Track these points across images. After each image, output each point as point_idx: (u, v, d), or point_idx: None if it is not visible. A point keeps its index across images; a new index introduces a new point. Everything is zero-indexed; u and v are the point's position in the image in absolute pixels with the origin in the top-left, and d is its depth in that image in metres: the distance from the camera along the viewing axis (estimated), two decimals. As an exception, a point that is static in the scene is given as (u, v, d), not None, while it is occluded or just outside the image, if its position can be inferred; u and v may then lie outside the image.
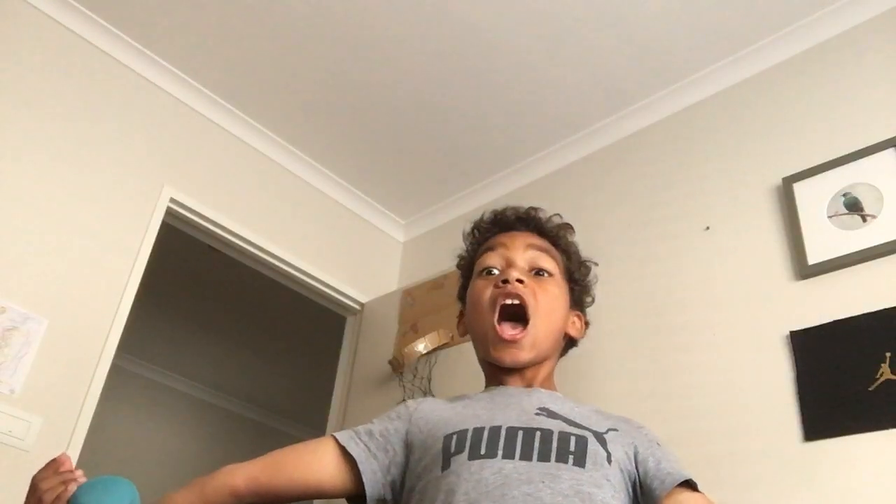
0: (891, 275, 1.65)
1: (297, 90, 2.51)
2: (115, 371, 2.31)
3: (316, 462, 1.01)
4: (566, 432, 0.95)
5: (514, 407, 1.01)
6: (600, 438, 0.96)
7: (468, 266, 1.23)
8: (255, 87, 2.52)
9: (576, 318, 1.20)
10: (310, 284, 2.73)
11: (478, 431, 0.95)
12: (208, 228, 2.47)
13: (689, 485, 0.98)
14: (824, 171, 1.85)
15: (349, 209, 2.96)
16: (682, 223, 2.11)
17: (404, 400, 1.16)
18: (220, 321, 4.27)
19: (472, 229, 1.27)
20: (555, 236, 1.21)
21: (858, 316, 1.64)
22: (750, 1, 2.04)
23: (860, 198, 1.77)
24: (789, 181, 1.90)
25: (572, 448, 0.92)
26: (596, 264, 1.27)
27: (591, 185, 2.46)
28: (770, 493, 1.61)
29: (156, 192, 2.33)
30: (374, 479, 1.00)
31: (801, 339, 1.71)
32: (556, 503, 0.86)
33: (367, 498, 0.99)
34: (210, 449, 5.07)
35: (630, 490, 0.96)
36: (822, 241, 1.78)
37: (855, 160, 1.81)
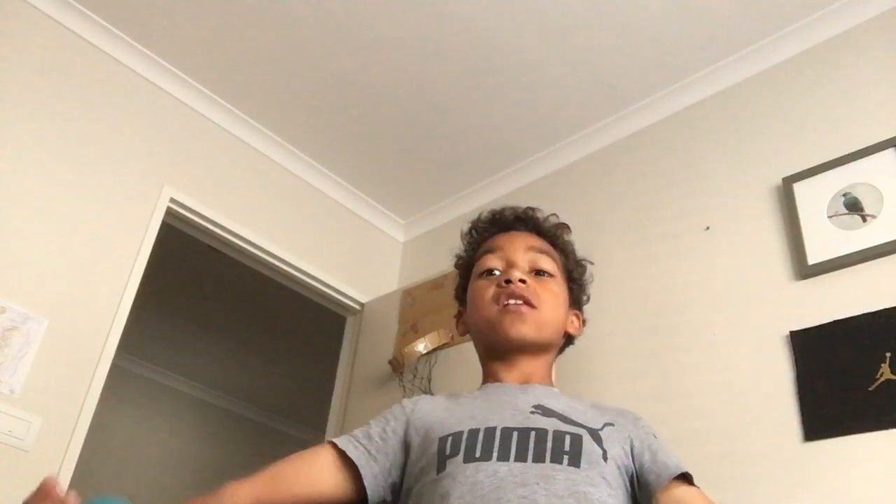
0: (891, 275, 1.65)
1: (297, 90, 2.51)
2: (115, 371, 2.30)
3: (316, 472, 1.01)
4: (561, 431, 0.95)
5: (509, 406, 1.01)
6: (595, 436, 0.96)
7: (466, 266, 1.24)
8: (255, 87, 2.52)
9: (574, 317, 1.21)
10: (310, 284, 2.73)
11: (473, 433, 0.95)
12: (208, 228, 2.47)
13: (686, 478, 0.98)
14: (824, 171, 1.85)
15: (349, 209, 2.96)
16: (682, 223, 2.11)
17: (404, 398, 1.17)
18: (220, 321, 4.27)
19: (470, 229, 1.27)
20: (553, 236, 1.22)
21: (858, 316, 1.64)
22: (750, 1, 2.04)
23: (860, 198, 1.77)
24: (789, 181, 1.91)
25: (567, 447, 0.92)
26: (592, 263, 1.28)
27: (591, 185, 2.46)
28: (770, 493, 1.61)
29: (156, 192, 2.33)
30: (375, 483, 1.00)
31: (801, 339, 1.71)
32: None
33: (369, 501, 0.99)
34: (210, 449, 5.07)
35: (628, 485, 0.97)
36: (822, 241, 1.78)
37: (855, 160, 1.81)
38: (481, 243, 1.22)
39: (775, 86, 2.11)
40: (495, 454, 0.92)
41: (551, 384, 1.13)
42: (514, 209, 1.24)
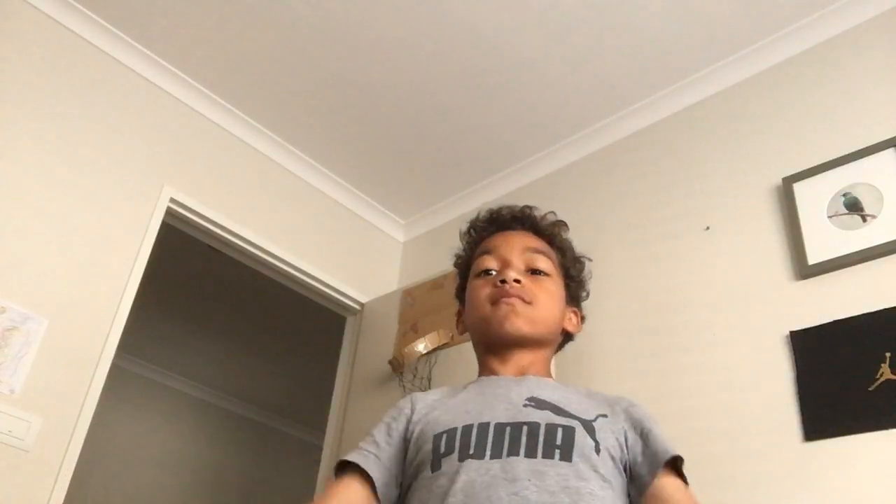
0: (891, 275, 1.65)
1: (297, 90, 2.51)
2: (115, 371, 2.30)
3: None
4: (553, 424, 0.96)
5: (503, 399, 1.02)
6: (588, 427, 0.97)
7: (465, 265, 1.24)
8: (255, 87, 2.52)
9: (572, 314, 1.21)
10: (310, 284, 2.73)
11: (467, 430, 0.96)
12: (208, 228, 2.47)
13: (675, 466, 0.99)
14: (824, 171, 1.85)
15: (349, 209, 2.96)
16: (682, 223, 2.11)
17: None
18: (220, 321, 4.27)
19: (469, 229, 1.28)
20: (550, 235, 1.23)
21: (858, 316, 1.64)
22: (750, 1, 2.04)
23: (860, 198, 1.77)
24: (789, 181, 1.91)
25: (559, 441, 0.93)
26: (590, 259, 1.28)
27: (591, 185, 2.46)
28: (770, 493, 1.61)
29: (156, 192, 2.33)
30: (386, 490, 1.01)
31: (801, 339, 1.71)
32: (542, 500, 0.87)
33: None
34: (210, 449, 5.07)
35: (623, 475, 0.98)
36: (822, 241, 1.78)
37: (855, 160, 1.81)
38: (479, 243, 1.23)
39: (775, 86, 2.11)
40: (488, 452, 0.93)
41: (548, 376, 1.13)
42: (511, 208, 1.25)
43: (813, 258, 1.78)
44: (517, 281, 1.10)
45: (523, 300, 1.10)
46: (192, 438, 5.02)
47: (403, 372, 2.34)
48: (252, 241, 2.55)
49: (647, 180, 2.29)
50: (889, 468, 1.48)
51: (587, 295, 1.27)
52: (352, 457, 1.02)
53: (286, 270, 2.66)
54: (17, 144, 2.06)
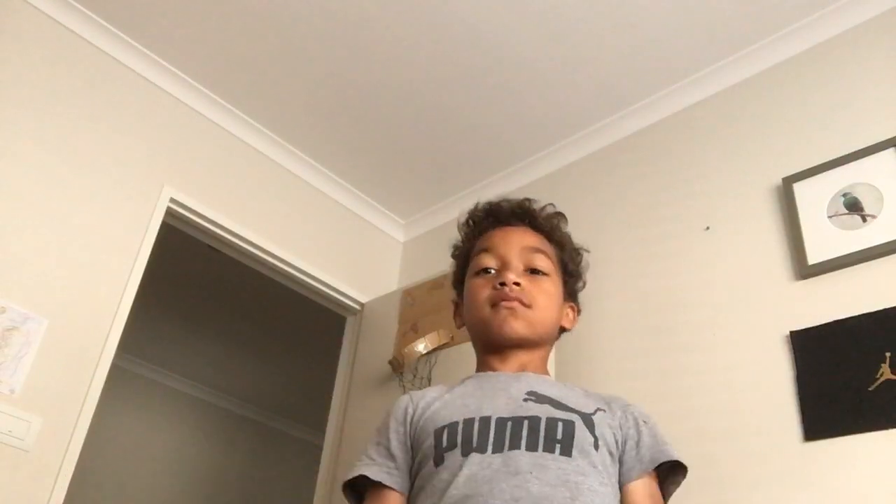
0: (891, 275, 1.65)
1: (297, 90, 2.51)
2: (115, 371, 2.30)
3: None
4: (554, 418, 0.97)
5: (503, 394, 1.02)
6: (588, 421, 0.98)
7: (463, 256, 1.25)
8: (255, 87, 2.52)
9: (569, 310, 1.22)
10: (310, 284, 2.73)
11: (468, 423, 0.97)
12: (208, 228, 2.47)
13: (673, 469, 1.01)
14: (824, 171, 1.85)
15: (349, 209, 2.96)
16: (682, 223, 2.11)
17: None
18: (220, 321, 4.27)
19: (468, 219, 1.28)
20: (549, 230, 1.22)
21: (858, 316, 1.64)
22: (750, 1, 2.04)
23: (860, 198, 1.77)
24: (789, 181, 1.91)
25: (559, 436, 0.94)
26: (587, 251, 1.28)
27: (591, 185, 2.46)
28: (770, 493, 1.61)
29: (156, 192, 2.33)
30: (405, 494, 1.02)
31: (801, 339, 1.71)
32: (543, 493, 0.88)
33: None
34: (210, 449, 5.07)
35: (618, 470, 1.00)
36: (822, 241, 1.78)
37: (855, 160, 1.81)
38: (477, 236, 1.23)
39: (775, 86, 2.11)
40: (490, 446, 0.94)
41: (546, 374, 1.14)
42: (510, 202, 1.25)
43: (813, 258, 1.78)
44: (516, 284, 1.10)
45: (522, 303, 1.10)
46: (192, 438, 5.02)
47: (403, 372, 2.34)
48: (252, 241, 2.54)
49: (647, 180, 2.29)
50: (889, 468, 1.48)
51: (584, 285, 1.27)
52: (381, 478, 1.01)
53: (286, 270, 2.66)
54: (17, 144, 2.06)
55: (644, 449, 1.00)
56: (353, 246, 2.93)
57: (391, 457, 1.03)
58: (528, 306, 1.10)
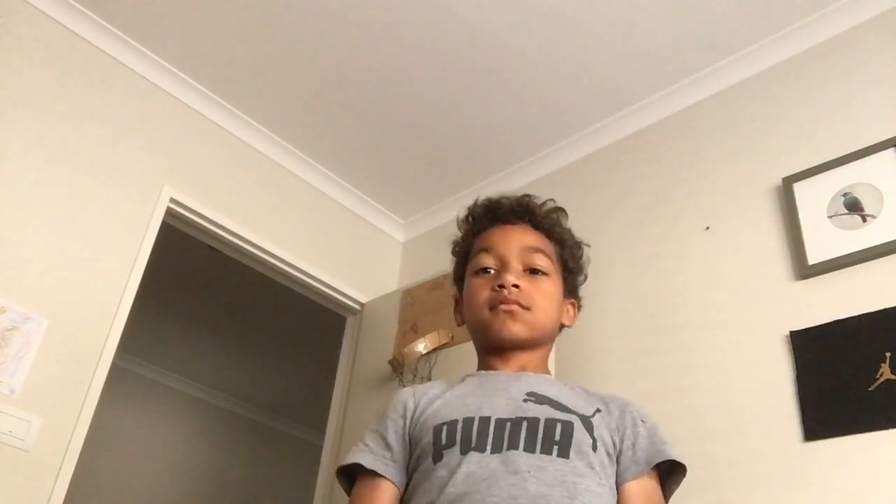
0: (891, 275, 1.65)
1: (297, 90, 2.51)
2: (115, 371, 2.30)
3: None
4: (553, 419, 0.97)
5: (503, 394, 1.02)
6: (586, 422, 0.98)
7: (463, 253, 1.24)
8: (255, 87, 2.52)
9: (570, 307, 1.22)
10: (310, 284, 2.73)
11: (467, 422, 0.98)
12: (208, 228, 2.47)
13: (672, 469, 1.01)
14: (824, 171, 1.85)
15: (349, 209, 2.96)
16: (682, 223, 2.11)
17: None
18: (220, 321, 4.27)
19: (467, 216, 1.28)
20: (549, 228, 1.22)
21: (858, 316, 1.64)
22: (749, 1, 2.04)
23: (860, 198, 1.77)
24: (789, 181, 1.90)
25: (557, 437, 0.95)
26: (588, 245, 1.28)
27: (591, 185, 2.46)
28: (770, 493, 1.61)
29: (156, 192, 2.33)
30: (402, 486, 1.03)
31: (801, 339, 1.71)
32: (541, 492, 0.89)
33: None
34: (210, 449, 5.07)
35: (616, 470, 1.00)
36: (822, 241, 1.78)
37: (855, 160, 1.81)
38: (477, 234, 1.23)
39: (775, 86, 2.11)
40: (489, 446, 0.94)
41: (546, 372, 1.13)
42: (509, 199, 1.24)
43: (813, 258, 1.78)
44: (515, 286, 1.10)
45: (521, 306, 1.10)
46: (191, 438, 5.02)
47: (403, 372, 2.34)
48: (252, 241, 2.54)
49: (647, 180, 2.29)
50: (889, 468, 1.48)
51: (585, 278, 1.26)
52: (376, 467, 1.02)
53: (286, 270, 2.66)
54: (18, 144, 2.06)
55: (640, 450, 1.00)
56: (353, 246, 2.93)
57: (388, 447, 1.04)
58: (527, 308, 1.10)
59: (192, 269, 3.69)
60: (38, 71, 2.17)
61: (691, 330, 1.94)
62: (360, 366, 2.63)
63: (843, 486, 1.52)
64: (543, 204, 1.25)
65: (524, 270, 1.14)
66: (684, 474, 1.02)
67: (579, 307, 1.24)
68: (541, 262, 1.15)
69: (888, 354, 1.56)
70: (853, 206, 1.77)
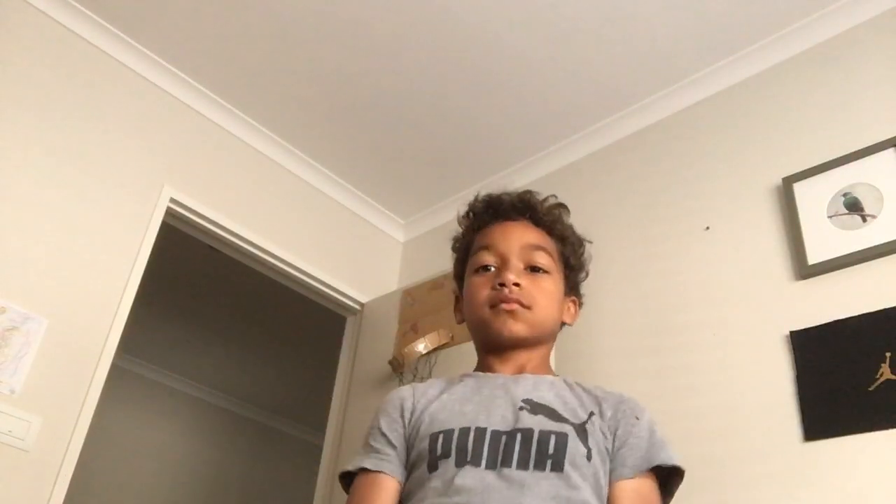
0: (891, 275, 1.65)
1: (297, 90, 2.51)
2: (115, 371, 2.30)
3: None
4: (547, 430, 0.96)
5: (500, 402, 1.02)
6: (581, 431, 0.98)
7: (464, 249, 1.23)
8: (255, 86, 2.52)
9: (570, 304, 1.20)
10: (310, 284, 2.73)
11: (463, 433, 0.97)
12: (208, 228, 2.47)
13: (665, 472, 1.00)
14: (824, 171, 1.85)
15: (349, 209, 2.96)
16: (682, 223, 2.11)
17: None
18: (220, 321, 4.27)
19: (467, 212, 1.26)
20: (550, 225, 1.20)
21: (858, 316, 1.64)
22: (749, 1, 2.04)
23: (860, 198, 1.77)
24: (789, 181, 1.91)
25: (551, 451, 0.94)
26: (590, 242, 1.26)
27: (591, 185, 2.46)
28: (770, 493, 1.61)
29: (156, 192, 2.33)
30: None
31: (801, 339, 1.71)
32: None
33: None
34: (210, 449, 5.07)
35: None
36: (822, 241, 1.78)
37: (855, 160, 1.81)
38: (477, 230, 1.22)
39: (775, 86, 2.11)
40: (484, 461, 0.94)
41: (546, 372, 1.13)
42: (510, 196, 1.23)
43: (813, 258, 1.78)
44: (516, 284, 1.09)
45: (522, 305, 1.09)
46: (191, 438, 5.02)
47: (403, 372, 2.34)
48: (252, 241, 2.55)
49: (647, 180, 2.29)
50: (889, 468, 1.48)
51: (587, 275, 1.25)
52: (379, 466, 1.02)
53: (286, 270, 2.66)
54: (18, 144, 2.06)
55: (633, 449, 0.99)
56: (353, 246, 2.93)
57: (389, 444, 1.04)
58: (527, 307, 1.09)
59: (192, 269, 3.69)
60: (38, 71, 2.17)
61: (691, 330, 1.94)
62: (360, 366, 2.63)
63: (843, 486, 1.52)
64: (545, 200, 1.23)
65: (525, 268, 1.13)
66: (682, 475, 1.02)
67: (580, 304, 1.23)
68: (542, 260, 1.14)
69: (888, 354, 1.56)
70: (853, 206, 1.77)
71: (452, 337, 2.25)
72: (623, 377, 2.00)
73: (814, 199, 1.84)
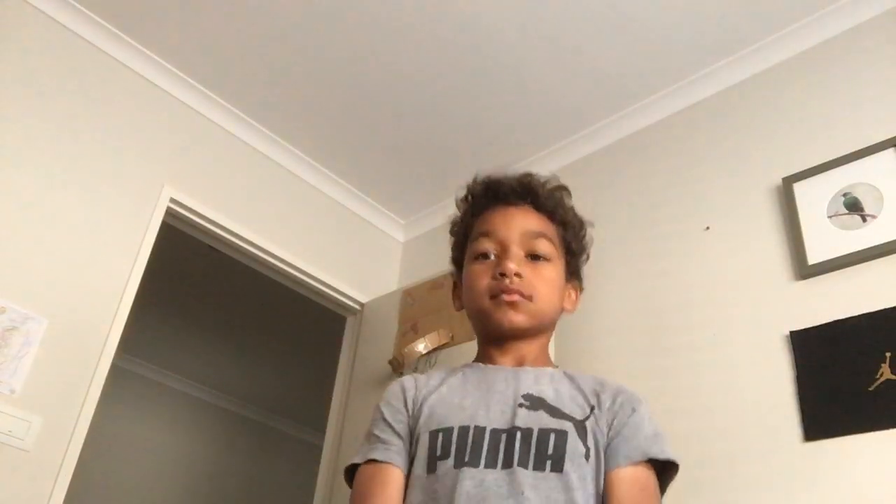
0: (891, 275, 1.65)
1: (297, 90, 2.51)
2: (115, 371, 2.30)
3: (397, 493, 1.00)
4: (546, 429, 0.96)
5: (499, 398, 1.01)
6: (580, 428, 0.97)
7: (462, 234, 1.21)
8: (255, 87, 2.52)
9: (571, 290, 1.17)
10: (310, 284, 2.73)
11: (463, 432, 0.97)
12: (208, 228, 2.47)
13: (661, 463, 0.99)
14: (824, 171, 1.85)
15: (349, 209, 2.96)
16: (682, 223, 2.11)
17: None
18: (221, 321, 4.27)
19: (466, 195, 1.23)
20: (552, 210, 1.18)
21: (858, 316, 1.64)
22: (749, 1, 2.04)
23: (860, 198, 1.77)
24: (789, 181, 1.91)
25: (550, 450, 0.94)
26: (592, 225, 1.24)
27: (592, 185, 2.46)
28: (770, 493, 1.61)
29: (156, 192, 2.33)
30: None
31: (801, 339, 1.71)
32: None
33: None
34: (210, 449, 5.07)
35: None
36: (822, 241, 1.78)
37: (855, 160, 1.81)
38: (476, 215, 1.19)
39: (775, 86, 2.11)
40: (483, 461, 0.93)
41: (546, 363, 1.12)
42: (510, 179, 1.19)
43: (813, 258, 1.78)
44: (517, 275, 1.07)
45: (523, 295, 1.07)
46: (191, 438, 5.02)
47: (403, 372, 2.34)
48: (252, 241, 2.55)
49: (647, 180, 2.29)
50: (889, 468, 1.48)
51: (588, 258, 1.22)
52: (387, 457, 1.01)
53: (286, 270, 2.66)
54: (18, 144, 2.06)
55: (622, 441, 0.98)
56: (353, 246, 2.93)
57: (396, 435, 1.03)
58: (528, 298, 1.07)
59: (192, 269, 3.69)
60: (39, 71, 2.17)
61: (691, 330, 1.94)
62: (360, 366, 2.63)
63: (843, 486, 1.52)
64: (546, 183, 1.20)
65: (526, 256, 1.10)
66: (677, 469, 1.01)
67: (581, 290, 1.19)
68: (543, 247, 1.11)
69: (888, 354, 1.56)
70: (853, 206, 1.77)
71: (452, 337, 2.25)
72: (623, 377, 1.97)
73: (814, 199, 1.84)
